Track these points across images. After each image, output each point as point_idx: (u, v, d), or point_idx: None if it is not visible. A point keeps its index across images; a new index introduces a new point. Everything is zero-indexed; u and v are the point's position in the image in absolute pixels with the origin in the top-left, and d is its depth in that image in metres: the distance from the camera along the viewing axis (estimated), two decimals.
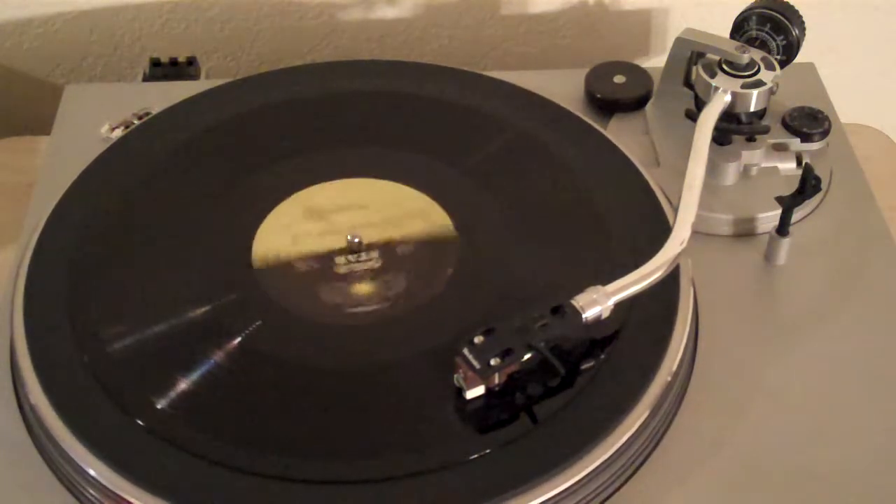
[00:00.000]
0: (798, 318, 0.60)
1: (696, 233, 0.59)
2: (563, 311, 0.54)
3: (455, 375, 0.53)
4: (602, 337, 0.56)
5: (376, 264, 0.61)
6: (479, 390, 0.53)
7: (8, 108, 0.89)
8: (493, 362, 0.52)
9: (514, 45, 0.91)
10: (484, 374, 0.52)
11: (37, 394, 0.54)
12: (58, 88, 0.77)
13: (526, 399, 0.53)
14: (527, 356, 0.53)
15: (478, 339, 0.53)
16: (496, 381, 0.53)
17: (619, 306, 0.55)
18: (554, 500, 0.50)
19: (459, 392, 0.53)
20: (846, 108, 0.74)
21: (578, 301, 0.54)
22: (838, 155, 0.69)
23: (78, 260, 0.61)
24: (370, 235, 0.62)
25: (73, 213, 0.63)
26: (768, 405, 0.56)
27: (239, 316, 0.58)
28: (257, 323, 0.57)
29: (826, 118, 0.68)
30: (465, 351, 0.52)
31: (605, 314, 0.54)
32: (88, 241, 0.62)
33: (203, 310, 0.58)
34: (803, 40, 0.68)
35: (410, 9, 0.89)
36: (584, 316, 0.54)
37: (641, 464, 0.53)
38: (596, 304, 0.54)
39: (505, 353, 0.52)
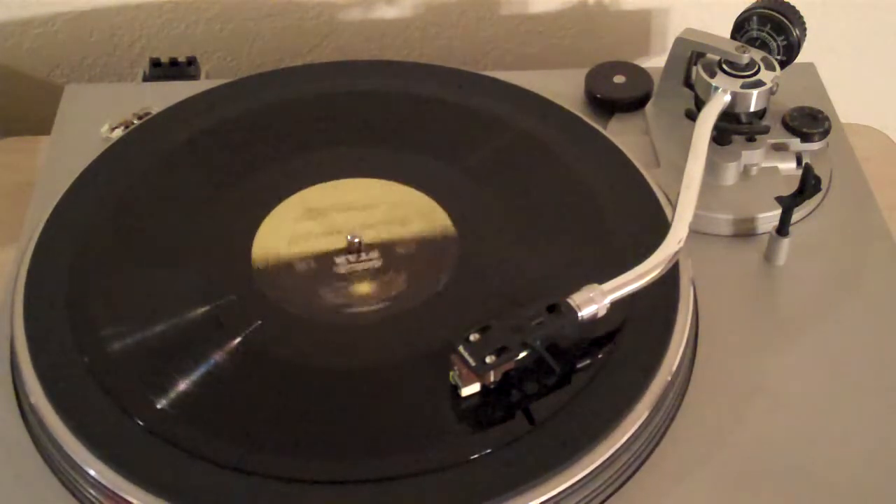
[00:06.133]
0: (798, 318, 0.60)
1: (696, 233, 0.59)
2: (559, 309, 0.54)
3: (451, 372, 0.53)
4: (602, 337, 0.56)
5: (376, 264, 0.61)
6: (474, 387, 0.53)
7: (8, 108, 0.89)
8: (488, 360, 0.52)
9: (514, 45, 0.91)
10: (479, 372, 0.52)
11: (37, 394, 0.54)
12: (58, 88, 0.77)
13: (526, 399, 0.53)
14: (522, 354, 0.53)
15: (473, 337, 0.53)
16: (491, 378, 0.53)
17: (619, 305, 0.55)
18: (554, 500, 0.50)
19: (455, 389, 0.53)
20: (846, 108, 0.74)
21: (575, 299, 0.54)
22: (838, 155, 0.69)
23: (78, 260, 0.61)
24: (370, 235, 0.62)
25: (73, 213, 0.63)
26: (768, 405, 0.56)
27: (239, 316, 0.58)
28: (257, 323, 0.57)
29: (826, 118, 0.68)
30: (461, 348, 0.52)
31: (602, 312, 0.54)
32: (88, 241, 0.62)
33: (203, 310, 0.58)
34: (804, 41, 0.68)
35: (410, 9, 0.89)
36: (580, 314, 0.54)
37: (641, 464, 0.53)
38: (592, 302, 0.54)
39: (500, 351, 0.52)
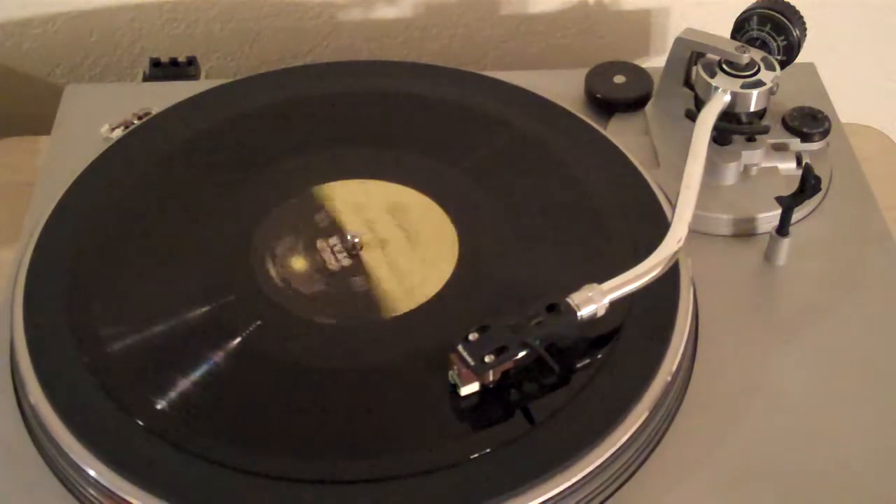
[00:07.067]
0: (798, 318, 0.60)
1: (696, 233, 0.59)
2: (558, 308, 0.54)
3: (450, 372, 0.53)
4: (602, 336, 0.56)
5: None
6: (473, 387, 0.53)
7: (8, 108, 0.89)
8: (487, 359, 0.52)
9: (514, 45, 0.91)
10: (478, 371, 0.52)
11: (37, 394, 0.54)
12: (58, 88, 0.77)
13: (525, 398, 0.53)
14: (521, 354, 0.53)
15: (472, 336, 0.53)
16: (490, 378, 0.53)
17: (619, 306, 0.55)
18: (554, 500, 0.50)
19: (454, 388, 0.53)
20: (846, 108, 0.74)
21: (574, 299, 0.54)
22: (838, 155, 0.69)
23: (78, 260, 0.61)
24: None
25: (73, 213, 0.63)
26: (768, 405, 0.56)
27: (239, 316, 0.58)
28: (257, 323, 0.58)
29: (826, 118, 0.68)
30: (460, 347, 0.52)
31: (601, 312, 0.54)
32: (88, 242, 0.62)
33: (203, 310, 0.58)
34: (804, 41, 0.68)
35: (410, 9, 0.89)
36: (579, 314, 0.54)
37: (641, 464, 0.53)
38: (591, 302, 0.54)
39: (500, 351, 0.52)
